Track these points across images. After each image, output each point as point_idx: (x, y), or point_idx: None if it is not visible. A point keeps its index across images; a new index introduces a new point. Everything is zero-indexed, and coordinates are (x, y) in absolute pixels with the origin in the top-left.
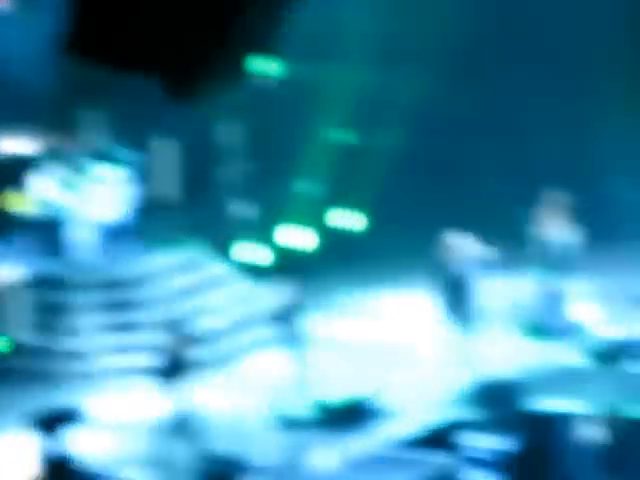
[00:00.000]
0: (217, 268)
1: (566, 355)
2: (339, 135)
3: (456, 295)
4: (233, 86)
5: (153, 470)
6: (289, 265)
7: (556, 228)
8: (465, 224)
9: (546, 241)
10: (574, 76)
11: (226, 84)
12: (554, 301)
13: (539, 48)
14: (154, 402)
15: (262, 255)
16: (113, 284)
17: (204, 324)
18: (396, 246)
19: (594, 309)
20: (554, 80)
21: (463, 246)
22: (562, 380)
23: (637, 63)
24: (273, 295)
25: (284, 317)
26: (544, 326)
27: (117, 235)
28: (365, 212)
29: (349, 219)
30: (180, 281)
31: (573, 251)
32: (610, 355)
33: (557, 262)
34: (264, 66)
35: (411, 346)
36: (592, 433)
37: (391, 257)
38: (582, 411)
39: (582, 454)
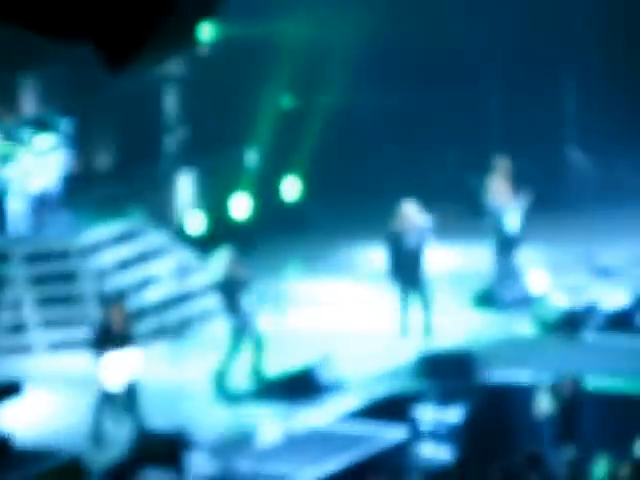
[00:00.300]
0: (157, 238)
1: (519, 325)
2: (279, 99)
3: (409, 264)
4: (179, 53)
5: (92, 444)
6: (229, 234)
7: (509, 196)
8: (415, 192)
9: (499, 209)
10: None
11: (172, 51)
12: (507, 270)
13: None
14: (93, 375)
15: (202, 224)
16: (50, 255)
17: (145, 295)
18: (338, 215)
19: (548, 278)
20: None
21: (415, 215)
22: (514, 350)
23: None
24: (215, 265)
25: (226, 287)
26: (497, 296)
27: (53, 205)
28: (306, 180)
29: (291, 187)
30: (119, 252)
31: (525, 219)
32: (564, 325)
33: (510, 231)
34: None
35: (360, 316)
36: (544, 403)
37: (333, 226)
38: (534, 381)
39: (534, 424)
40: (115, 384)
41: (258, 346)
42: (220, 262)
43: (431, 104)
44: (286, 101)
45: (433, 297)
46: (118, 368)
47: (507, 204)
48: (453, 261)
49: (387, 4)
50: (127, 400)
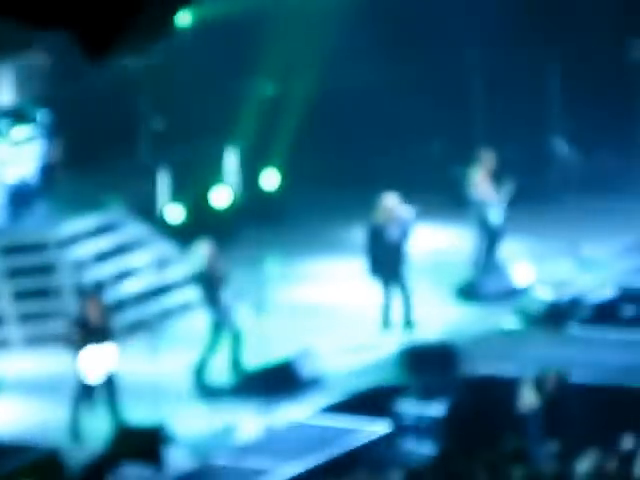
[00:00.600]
0: (136, 230)
1: (503, 318)
2: (258, 87)
3: (390, 257)
4: (158, 41)
5: (70, 438)
6: (208, 224)
7: (491, 189)
8: (397, 183)
9: (482, 201)
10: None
11: (151, 40)
12: (491, 263)
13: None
14: (70, 369)
15: (181, 215)
16: (27, 248)
17: (123, 288)
18: (318, 206)
19: (532, 271)
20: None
21: (396, 207)
22: (498, 344)
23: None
24: (194, 257)
25: (205, 280)
26: (480, 288)
27: (30, 196)
28: (285, 170)
29: (269, 177)
30: (98, 244)
31: (508, 212)
32: (548, 318)
33: (493, 223)
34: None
35: (340, 309)
36: (529, 397)
37: (314, 217)
38: (518, 375)
39: (519, 418)
40: (93, 378)
41: (237, 340)
42: (199, 255)
43: (413, 94)
44: (265, 88)
45: (414, 290)
46: (96, 362)
47: (490, 197)
48: (436, 251)
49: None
50: (105, 394)
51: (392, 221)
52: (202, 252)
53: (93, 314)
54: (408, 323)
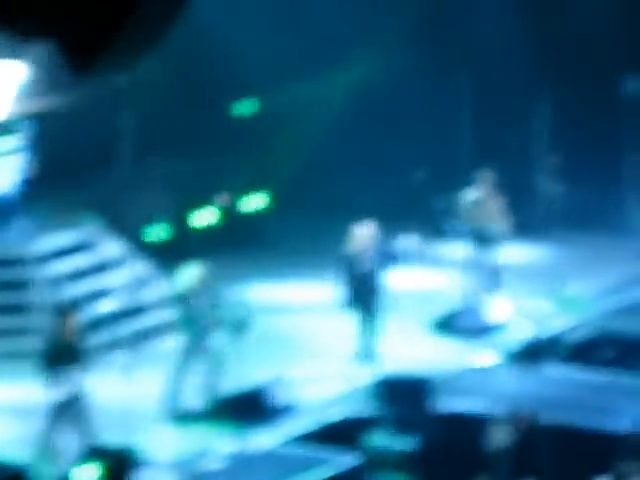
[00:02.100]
0: (114, 248)
1: (478, 353)
2: (239, 105)
3: (364, 287)
4: (146, 55)
5: (40, 457)
6: (191, 245)
7: (500, 210)
8: (375, 212)
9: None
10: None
11: (136, 55)
12: (471, 297)
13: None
14: (42, 388)
15: (163, 235)
16: (1, 262)
17: (99, 307)
18: (300, 231)
19: (511, 306)
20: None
21: (368, 238)
22: (472, 379)
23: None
24: (174, 277)
25: (184, 302)
26: (458, 323)
27: (8, 210)
28: (269, 193)
29: (253, 200)
30: (74, 261)
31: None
32: (525, 355)
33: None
34: None
35: (314, 337)
36: (500, 435)
37: (295, 242)
38: (490, 412)
39: (490, 456)
40: (65, 396)
41: (212, 364)
42: (187, 276)
43: (397, 122)
44: (246, 106)
45: (388, 322)
46: (68, 380)
47: (493, 221)
48: (414, 283)
49: None
50: (77, 413)
51: (363, 252)
52: (190, 273)
53: (67, 332)
54: (369, 355)
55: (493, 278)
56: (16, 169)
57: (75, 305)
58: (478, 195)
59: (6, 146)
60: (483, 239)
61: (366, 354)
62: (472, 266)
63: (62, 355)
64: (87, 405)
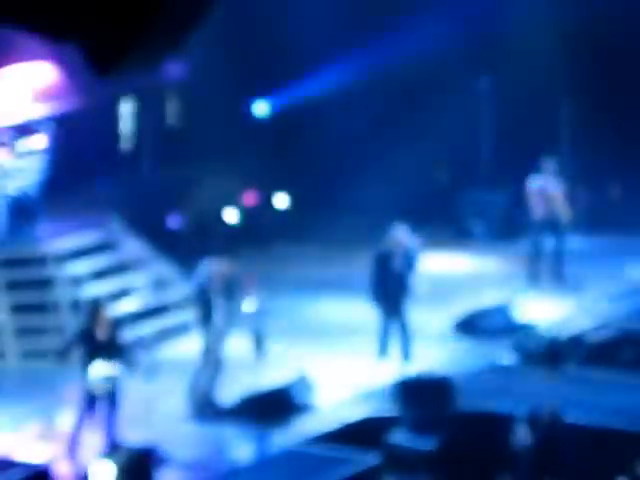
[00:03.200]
0: (136, 248)
1: (500, 354)
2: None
3: (392, 287)
4: (168, 57)
5: (67, 451)
6: (215, 242)
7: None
8: (404, 212)
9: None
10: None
11: (158, 56)
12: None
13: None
14: (72, 383)
15: (186, 231)
16: (25, 261)
17: (120, 306)
18: (325, 230)
19: (534, 307)
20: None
21: (404, 237)
22: (494, 380)
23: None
24: (195, 273)
25: (203, 299)
26: (480, 323)
27: (31, 210)
28: (292, 193)
29: (278, 199)
30: (96, 261)
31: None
32: (546, 356)
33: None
34: None
35: (337, 336)
36: (522, 434)
37: (320, 240)
38: (512, 412)
39: (512, 456)
40: (98, 392)
41: (216, 368)
42: (207, 272)
43: (422, 125)
44: (259, 108)
45: (414, 322)
46: (101, 376)
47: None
48: (438, 283)
49: None
50: (105, 410)
51: (398, 251)
52: (210, 269)
53: (100, 327)
54: (405, 355)
55: (556, 267)
56: (38, 169)
57: (98, 304)
58: (543, 184)
59: (29, 146)
60: (550, 228)
61: (402, 354)
62: (537, 255)
63: (95, 351)
64: (117, 402)
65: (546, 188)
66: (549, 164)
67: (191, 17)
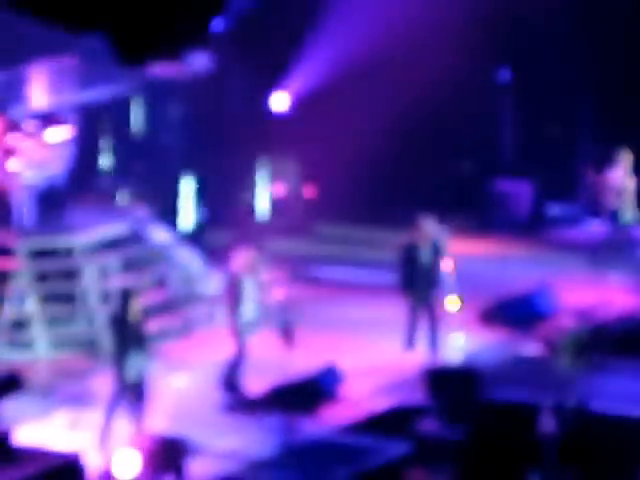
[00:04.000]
0: (163, 239)
1: (526, 343)
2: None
3: (420, 278)
4: (193, 48)
5: (100, 440)
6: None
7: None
8: (429, 204)
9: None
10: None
11: (186, 46)
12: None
13: None
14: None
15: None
16: (54, 252)
17: (148, 297)
18: (351, 225)
19: (558, 297)
20: None
21: (431, 228)
22: (520, 369)
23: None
24: (223, 263)
25: (230, 289)
26: (506, 313)
27: (59, 201)
28: (320, 185)
29: (306, 190)
30: (123, 251)
31: None
32: (572, 345)
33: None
34: None
35: (365, 326)
36: (549, 423)
37: (349, 232)
38: (539, 401)
39: (538, 444)
40: (128, 380)
41: (238, 360)
42: (237, 262)
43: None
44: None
45: (442, 312)
46: (135, 364)
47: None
48: (464, 273)
49: None
50: (137, 398)
51: (426, 242)
52: (240, 259)
53: (132, 316)
54: (433, 346)
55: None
56: (66, 159)
57: (129, 294)
58: (619, 175)
59: (57, 135)
60: (621, 219)
61: (430, 345)
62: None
63: (126, 340)
64: (147, 391)
65: (617, 180)
66: (623, 157)
67: (213, 6)
